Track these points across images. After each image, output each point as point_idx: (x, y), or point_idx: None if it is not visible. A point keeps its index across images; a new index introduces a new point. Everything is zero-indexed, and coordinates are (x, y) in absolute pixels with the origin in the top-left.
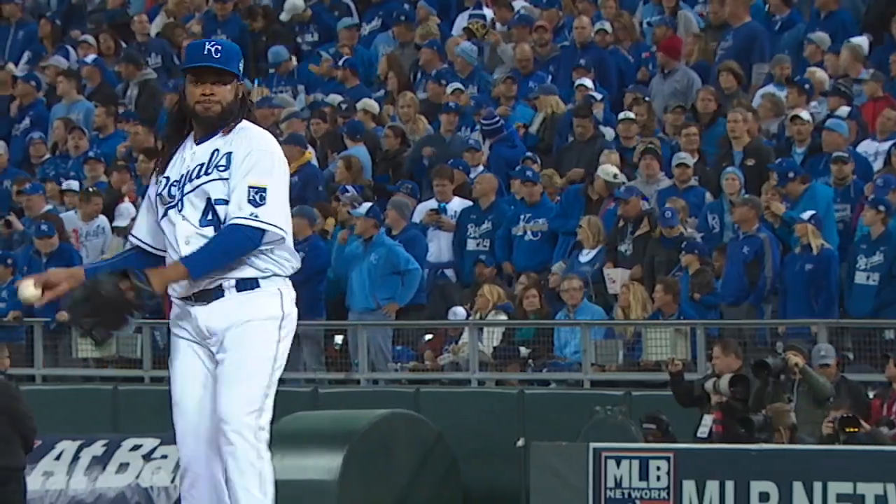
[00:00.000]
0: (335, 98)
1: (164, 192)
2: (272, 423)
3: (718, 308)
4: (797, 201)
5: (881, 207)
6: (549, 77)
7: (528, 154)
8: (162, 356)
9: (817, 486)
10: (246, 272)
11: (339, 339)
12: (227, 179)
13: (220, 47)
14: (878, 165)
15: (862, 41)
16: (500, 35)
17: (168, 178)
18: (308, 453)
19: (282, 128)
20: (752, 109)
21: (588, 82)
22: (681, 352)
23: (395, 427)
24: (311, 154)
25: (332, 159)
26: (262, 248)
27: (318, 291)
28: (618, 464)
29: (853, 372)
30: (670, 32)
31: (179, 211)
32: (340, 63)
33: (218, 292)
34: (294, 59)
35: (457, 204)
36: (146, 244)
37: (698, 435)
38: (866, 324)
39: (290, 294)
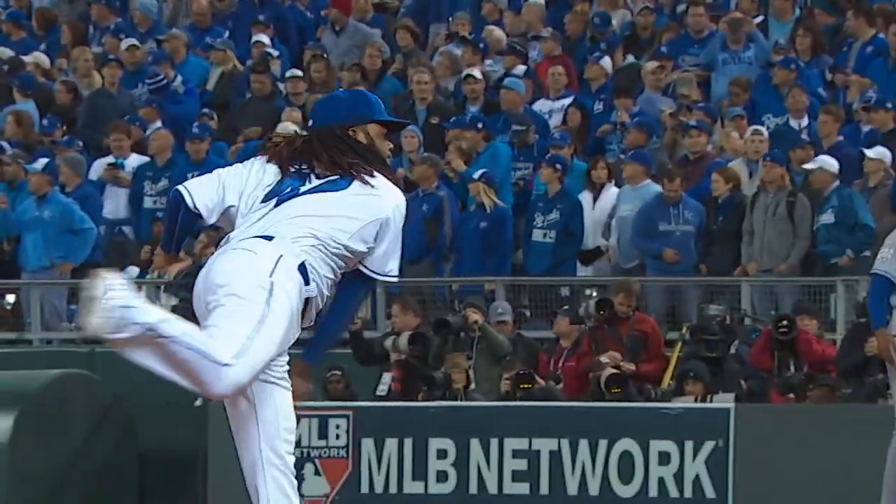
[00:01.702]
0: (3, 52)
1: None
2: None
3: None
4: (477, 160)
5: (558, 165)
6: (227, 32)
7: (205, 111)
8: None
9: (494, 442)
10: None
11: (10, 298)
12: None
13: None
14: (554, 123)
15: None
16: None
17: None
18: None
19: None
20: (431, 67)
21: (265, 38)
22: (361, 310)
23: (70, 388)
24: None
25: None
26: None
27: None
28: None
29: (530, 329)
30: None
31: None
32: (4, 17)
33: None
34: None
35: (134, 160)
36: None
37: (377, 393)
38: (542, 281)
39: None
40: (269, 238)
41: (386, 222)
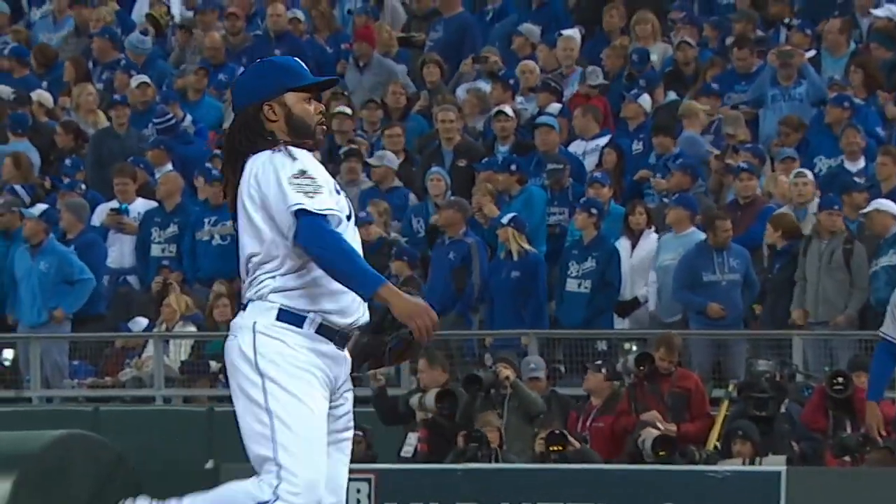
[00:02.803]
0: (4, 89)
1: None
2: None
3: None
4: (510, 204)
5: (593, 210)
6: (241, 69)
7: (217, 152)
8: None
9: None
10: None
11: (8, 353)
12: None
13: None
14: (590, 165)
15: (573, 34)
16: (186, 22)
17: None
18: None
19: None
20: (458, 105)
21: None
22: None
23: (72, 449)
24: None
25: None
26: None
27: None
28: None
29: (565, 386)
30: (371, 21)
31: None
32: (6, 52)
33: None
34: None
35: (140, 205)
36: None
37: (402, 454)
38: (577, 334)
39: None
40: (244, 306)
41: (260, 187)
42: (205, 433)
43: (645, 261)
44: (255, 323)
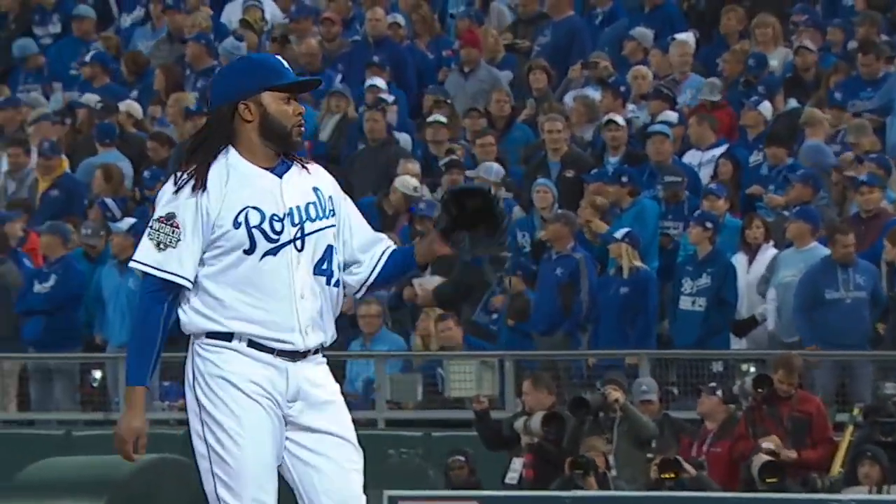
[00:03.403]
0: (91, 98)
1: (267, 226)
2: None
3: (529, 337)
4: (621, 218)
5: (708, 224)
6: (339, 76)
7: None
8: None
9: None
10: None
11: (96, 374)
12: (334, 226)
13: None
14: (705, 176)
15: (688, 38)
16: (280, 28)
17: (259, 210)
18: None
19: (29, 132)
20: (565, 114)
21: (381, 82)
22: (487, 387)
23: (162, 474)
24: (66, 162)
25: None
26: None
27: (73, 320)
28: None
29: (678, 409)
30: (474, 26)
31: (299, 251)
32: (88, 58)
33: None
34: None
35: None
36: (190, 283)
37: (506, 481)
38: (691, 355)
39: None
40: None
41: None
42: None
43: (763, 277)
44: (192, 375)
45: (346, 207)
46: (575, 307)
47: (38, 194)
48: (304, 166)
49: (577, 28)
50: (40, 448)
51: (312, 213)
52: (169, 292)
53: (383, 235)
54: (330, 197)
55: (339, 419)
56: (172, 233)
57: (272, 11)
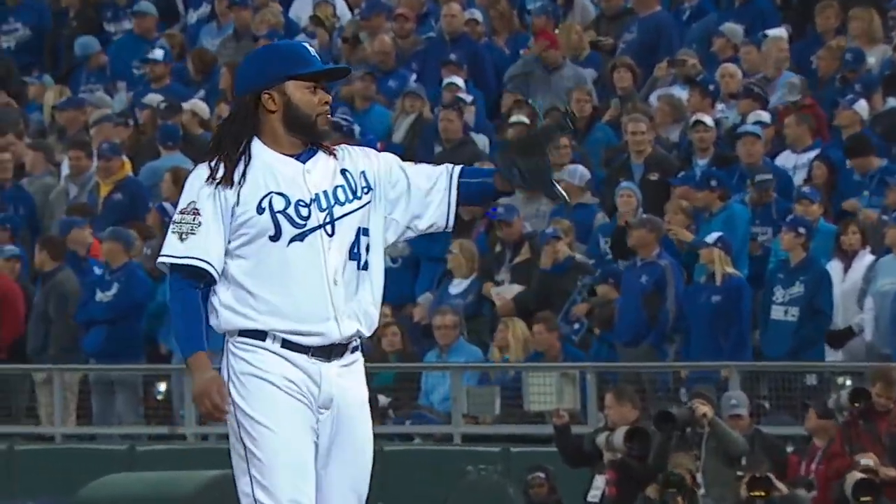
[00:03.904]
0: (154, 98)
1: (293, 211)
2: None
3: (613, 348)
4: (710, 222)
5: (801, 229)
6: (414, 75)
7: None
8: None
9: None
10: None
11: (160, 386)
12: (370, 203)
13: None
14: (798, 180)
15: (781, 33)
16: (351, 27)
17: (284, 195)
18: None
19: (92, 133)
20: (650, 114)
21: (458, 81)
22: (568, 400)
23: (227, 491)
24: (128, 165)
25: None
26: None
27: (136, 329)
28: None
29: (770, 424)
30: (550, 23)
31: (330, 236)
32: (152, 57)
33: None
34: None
35: None
36: (216, 272)
37: (589, 499)
38: (783, 367)
39: None
40: None
41: None
42: (374, 474)
43: (859, 285)
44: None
45: (390, 162)
46: (660, 316)
47: (101, 199)
48: (330, 152)
49: (664, 24)
50: (102, 464)
51: (341, 197)
52: (199, 281)
53: (442, 167)
54: (363, 173)
55: (357, 438)
56: (193, 220)
57: (343, 8)
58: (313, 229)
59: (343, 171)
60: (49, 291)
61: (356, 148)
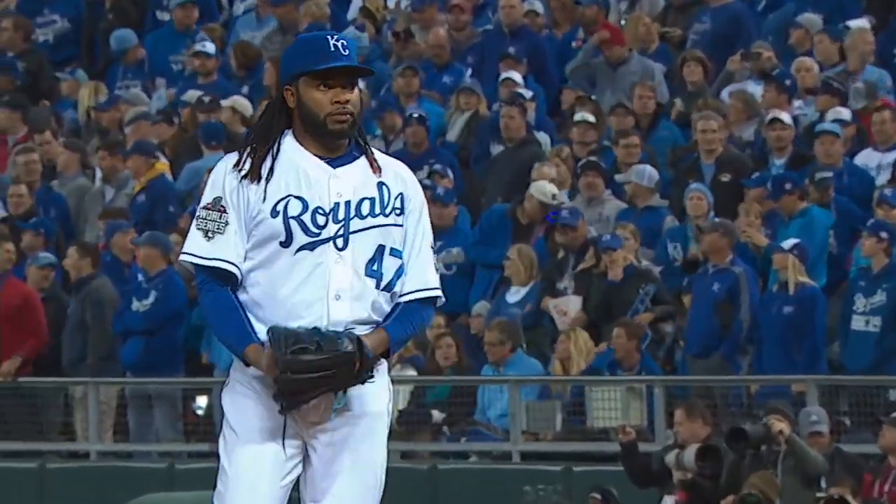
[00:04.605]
0: (194, 94)
1: (308, 218)
2: None
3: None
4: (788, 226)
5: (883, 234)
6: (469, 70)
7: (437, 167)
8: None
9: None
10: None
11: (201, 401)
12: (401, 227)
13: (345, 42)
14: (881, 181)
15: (864, 24)
16: (402, 18)
17: (303, 200)
18: None
19: (127, 132)
20: (722, 111)
21: (517, 76)
22: (635, 416)
23: None
24: (165, 165)
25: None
26: None
27: (174, 340)
28: None
29: (851, 442)
30: (602, 15)
31: (340, 249)
32: (192, 51)
33: None
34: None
35: None
36: (240, 272)
37: None
38: (866, 381)
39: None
40: None
41: None
42: (426, 494)
43: None
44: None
45: (414, 226)
46: (733, 327)
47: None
48: (374, 162)
49: (739, 14)
50: (140, 483)
51: (364, 210)
52: (226, 281)
53: (424, 281)
54: (400, 195)
55: (360, 454)
56: (220, 217)
57: None
58: (325, 240)
59: (380, 185)
60: (84, 299)
61: (408, 175)
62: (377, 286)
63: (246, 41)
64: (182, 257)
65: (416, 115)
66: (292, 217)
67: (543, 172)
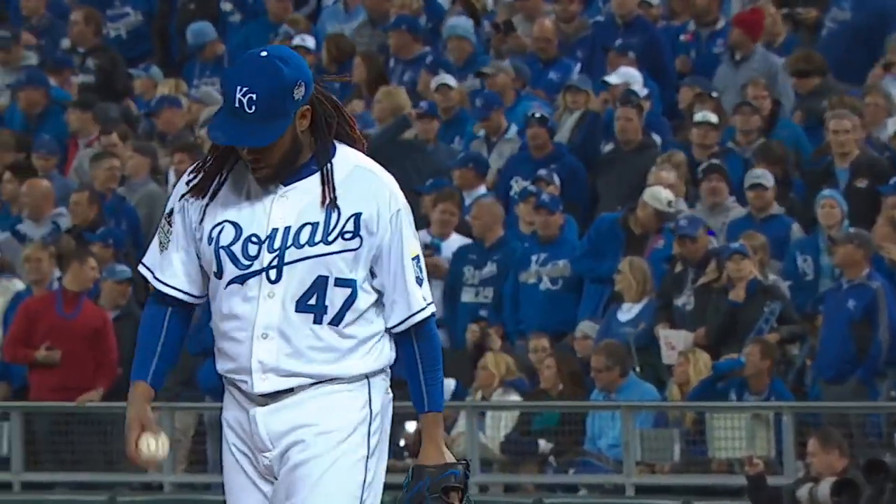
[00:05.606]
0: None
1: (238, 248)
2: None
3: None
4: None
5: None
6: (578, 65)
7: (541, 173)
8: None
9: None
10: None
11: None
12: (354, 250)
13: (254, 96)
14: None
15: None
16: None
17: (237, 227)
18: None
19: (200, 134)
20: (858, 110)
21: (632, 72)
22: (762, 446)
23: None
24: None
25: None
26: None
27: None
28: None
29: None
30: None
31: (272, 282)
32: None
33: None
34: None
35: (454, 241)
36: (189, 295)
37: None
38: None
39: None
40: None
41: None
42: None
43: None
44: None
45: (388, 245)
46: (871, 349)
47: None
48: (328, 182)
49: (885, 2)
50: None
51: (303, 238)
52: (171, 301)
53: (409, 306)
54: (355, 216)
55: (312, 480)
56: (168, 232)
57: None
58: (256, 273)
59: (329, 208)
60: None
61: (373, 179)
62: (316, 321)
63: (340, 34)
64: (140, 266)
65: (537, 116)
66: (222, 247)
67: (661, 177)
